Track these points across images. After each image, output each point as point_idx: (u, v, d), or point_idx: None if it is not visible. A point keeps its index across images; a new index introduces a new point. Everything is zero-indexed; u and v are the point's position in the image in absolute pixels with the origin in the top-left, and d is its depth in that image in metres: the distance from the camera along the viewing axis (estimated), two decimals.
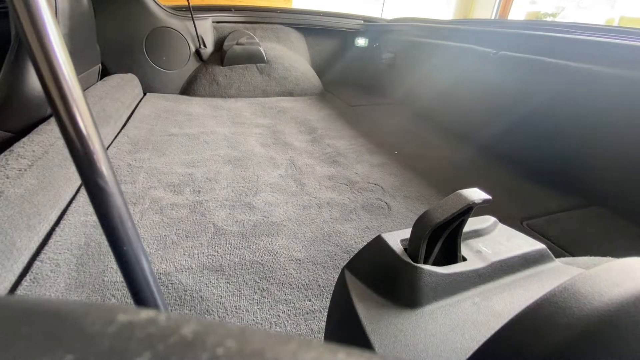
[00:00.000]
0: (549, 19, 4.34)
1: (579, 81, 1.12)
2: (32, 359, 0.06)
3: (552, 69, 1.21)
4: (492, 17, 4.69)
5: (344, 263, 0.79)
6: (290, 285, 0.72)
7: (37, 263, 0.72)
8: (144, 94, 2.05)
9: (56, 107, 0.19)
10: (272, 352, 0.06)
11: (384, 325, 0.31)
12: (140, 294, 0.25)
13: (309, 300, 0.68)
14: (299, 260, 0.79)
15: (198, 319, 0.07)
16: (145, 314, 0.07)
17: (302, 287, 0.71)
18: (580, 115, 1.12)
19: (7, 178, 0.79)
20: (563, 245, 0.88)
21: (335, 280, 0.68)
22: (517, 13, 4.62)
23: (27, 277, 0.68)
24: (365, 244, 0.39)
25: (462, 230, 0.36)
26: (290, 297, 0.69)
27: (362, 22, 2.62)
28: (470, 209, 0.33)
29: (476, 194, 0.33)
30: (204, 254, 0.79)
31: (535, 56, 1.28)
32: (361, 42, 2.63)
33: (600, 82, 1.05)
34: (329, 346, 0.07)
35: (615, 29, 1.30)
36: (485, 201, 0.33)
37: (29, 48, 0.18)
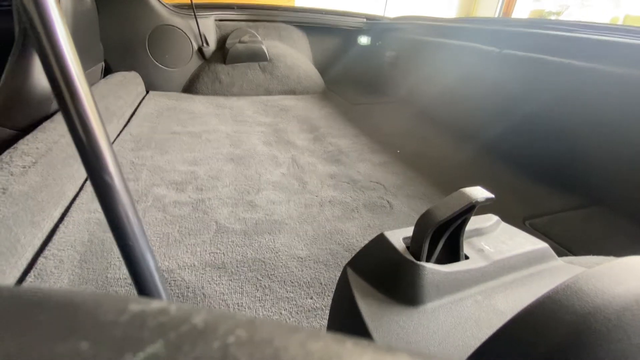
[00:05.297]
0: (553, 17, 4.31)
1: (584, 80, 1.11)
2: (48, 346, 0.06)
3: (555, 67, 1.20)
4: (496, 16, 4.67)
5: (346, 261, 0.79)
6: (292, 283, 0.72)
7: (41, 259, 0.72)
8: (147, 92, 2.06)
9: (64, 103, 0.19)
10: (281, 340, 0.06)
11: (386, 322, 0.32)
12: (145, 289, 0.25)
13: (311, 298, 0.68)
14: (301, 258, 0.79)
15: (208, 309, 0.08)
16: (157, 304, 0.07)
17: (304, 285, 0.72)
18: (583, 114, 1.11)
19: (12, 175, 0.80)
20: (565, 244, 0.88)
21: (338, 278, 0.68)
22: (521, 11, 4.60)
23: (31, 274, 0.69)
24: (367, 242, 0.39)
25: (464, 228, 0.36)
26: (292, 295, 0.69)
27: (365, 20, 2.61)
28: (472, 208, 0.33)
29: (479, 192, 0.33)
30: (206, 251, 0.79)
31: (538, 55, 1.28)
32: (364, 40, 2.62)
33: (605, 81, 1.05)
34: (336, 336, 0.07)
35: (620, 28, 1.29)
36: (488, 199, 0.33)
37: (38, 44, 0.18)
